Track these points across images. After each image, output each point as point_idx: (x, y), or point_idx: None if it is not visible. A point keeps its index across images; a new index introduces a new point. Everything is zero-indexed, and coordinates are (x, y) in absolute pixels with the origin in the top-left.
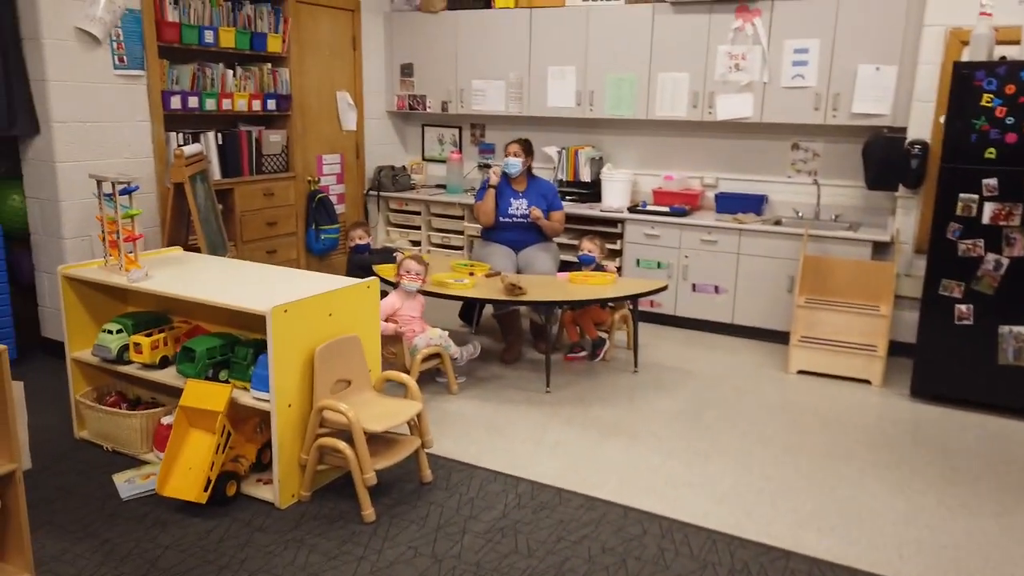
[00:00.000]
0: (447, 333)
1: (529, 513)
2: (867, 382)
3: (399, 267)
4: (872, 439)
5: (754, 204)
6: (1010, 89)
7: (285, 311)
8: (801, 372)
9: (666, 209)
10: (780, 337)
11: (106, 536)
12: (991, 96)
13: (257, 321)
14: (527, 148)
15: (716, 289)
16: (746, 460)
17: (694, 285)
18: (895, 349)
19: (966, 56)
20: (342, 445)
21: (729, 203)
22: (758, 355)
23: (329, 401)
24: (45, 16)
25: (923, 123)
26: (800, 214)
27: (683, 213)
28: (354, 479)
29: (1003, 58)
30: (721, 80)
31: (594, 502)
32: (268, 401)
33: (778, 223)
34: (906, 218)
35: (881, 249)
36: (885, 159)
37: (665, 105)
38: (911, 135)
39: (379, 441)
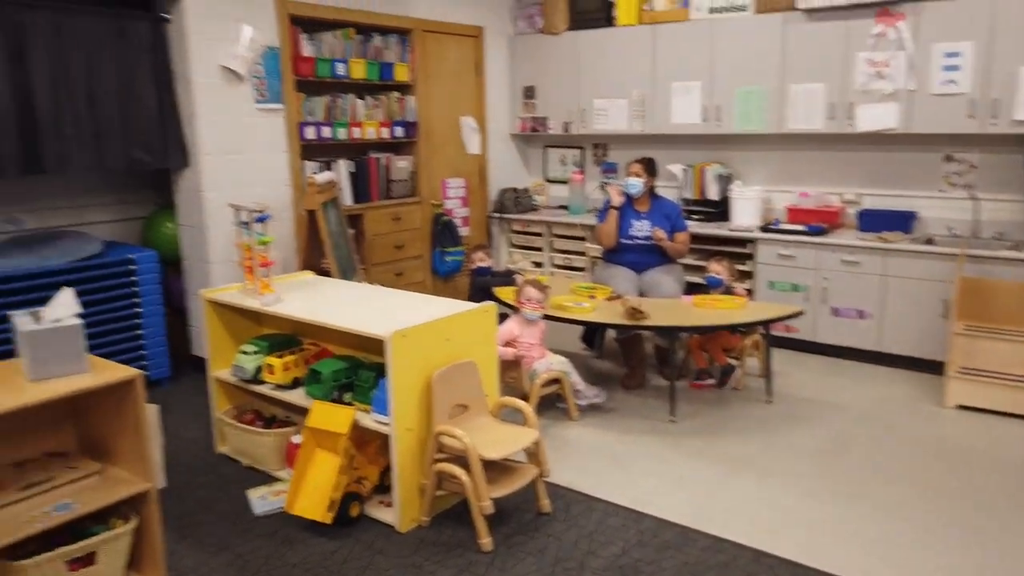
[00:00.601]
0: (568, 360)
1: (652, 552)
2: None
3: (519, 293)
4: None
5: (901, 221)
6: None
7: (404, 336)
8: (960, 407)
9: (802, 228)
10: (934, 367)
11: (239, 551)
12: None
13: (379, 345)
14: (649, 167)
15: (860, 314)
16: (897, 506)
17: (835, 309)
18: None
19: None
20: (459, 471)
21: (873, 220)
22: (909, 387)
23: (446, 427)
24: (195, 57)
25: None
26: (955, 232)
27: (821, 232)
28: (471, 506)
29: None
30: (861, 89)
31: (723, 544)
32: (388, 424)
33: (929, 242)
34: None
35: None
36: None
37: (799, 118)
38: None
39: (496, 468)
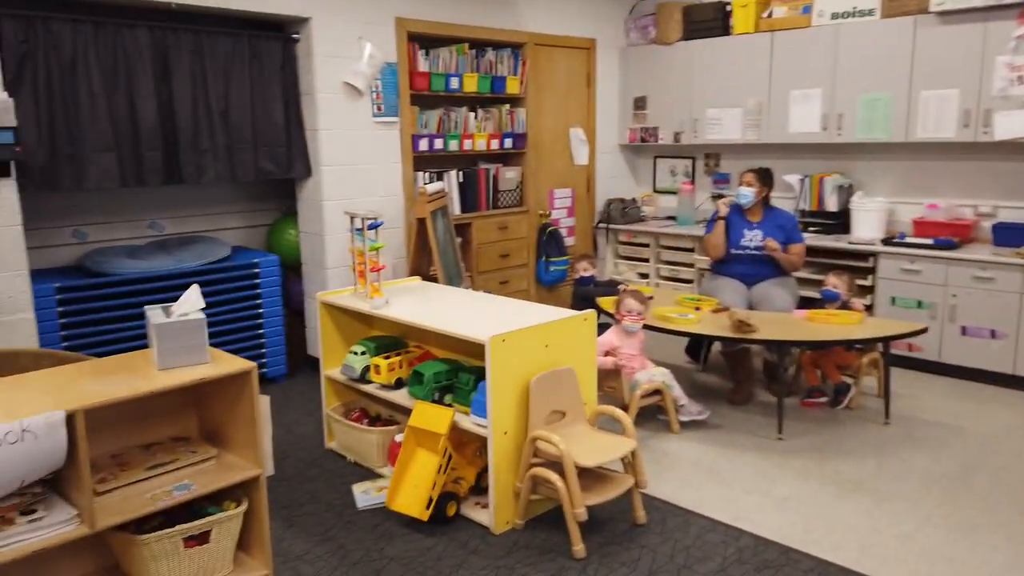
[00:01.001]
0: (669, 372)
1: (751, 571)
2: None
3: (619, 304)
4: None
5: None
6: None
7: (503, 340)
8: None
9: (929, 241)
10: None
11: (342, 542)
12: None
13: (479, 349)
14: (763, 177)
15: (993, 334)
16: (1022, 538)
17: (964, 328)
18: None
19: None
20: (554, 477)
21: (1010, 234)
22: None
23: (542, 432)
24: (319, 74)
25: None
26: None
27: (951, 246)
28: (565, 512)
29: None
30: (1000, 95)
31: (828, 567)
32: (485, 427)
33: None
34: None
35: None
36: None
37: (929, 126)
38: None
39: (592, 476)
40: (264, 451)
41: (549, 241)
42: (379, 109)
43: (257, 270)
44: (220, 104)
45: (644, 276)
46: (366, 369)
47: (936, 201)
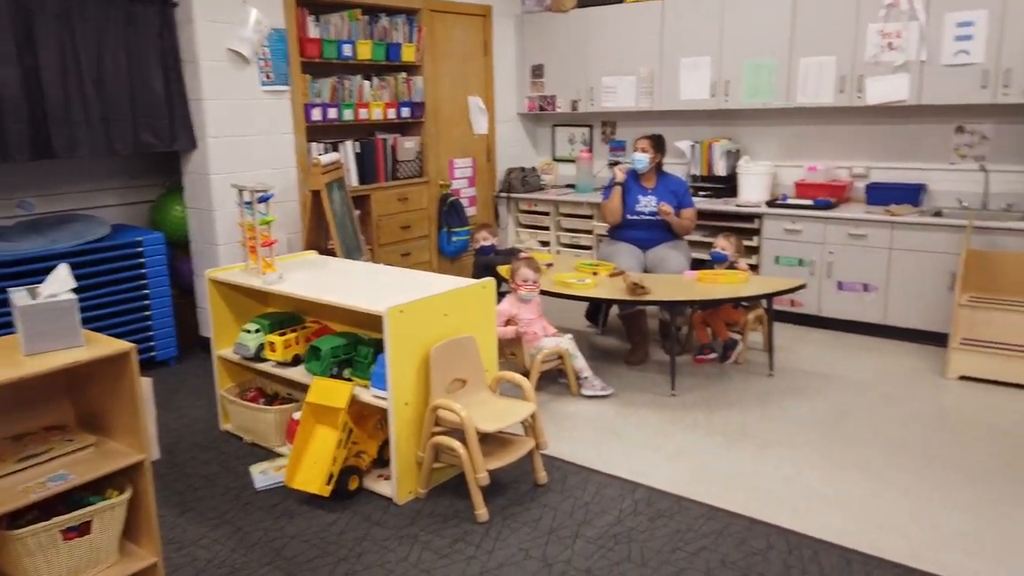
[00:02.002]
0: (572, 337)
1: (645, 521)
2: None
3: (514, 274)
4: None
5: (910, 195)
6: None
7: (401, 311)
8: (963, 378)
9: (809, 202)
10: (939, 339)
11: (239, 524)
12: None
13: (378, 321)
14: (656, 144)
15: (865, 287)
16: (891, 474)
17: (840, 283)
18: None
19: None
20: (456, 444)
21: (882, 194)
22: (913, 359)
23: (443, 400)
24: (201, 40)
25: None
26: (965, 204)
27: (829, 206)
28: (467, 478)
29: None
30: (872, 61)
31: (716, 512)
32: (386, 399)
33: (938, 214)
34: None
35: None
36: None
37: (808, 91)
38: None
39: (493, 441)
40: (148, 435)
41: (450, 211)
42: (268, 77)
43: (141, 249)
44: (92, 72)
45: (545, 244)
46: (261, 347)
47: (815, 163)
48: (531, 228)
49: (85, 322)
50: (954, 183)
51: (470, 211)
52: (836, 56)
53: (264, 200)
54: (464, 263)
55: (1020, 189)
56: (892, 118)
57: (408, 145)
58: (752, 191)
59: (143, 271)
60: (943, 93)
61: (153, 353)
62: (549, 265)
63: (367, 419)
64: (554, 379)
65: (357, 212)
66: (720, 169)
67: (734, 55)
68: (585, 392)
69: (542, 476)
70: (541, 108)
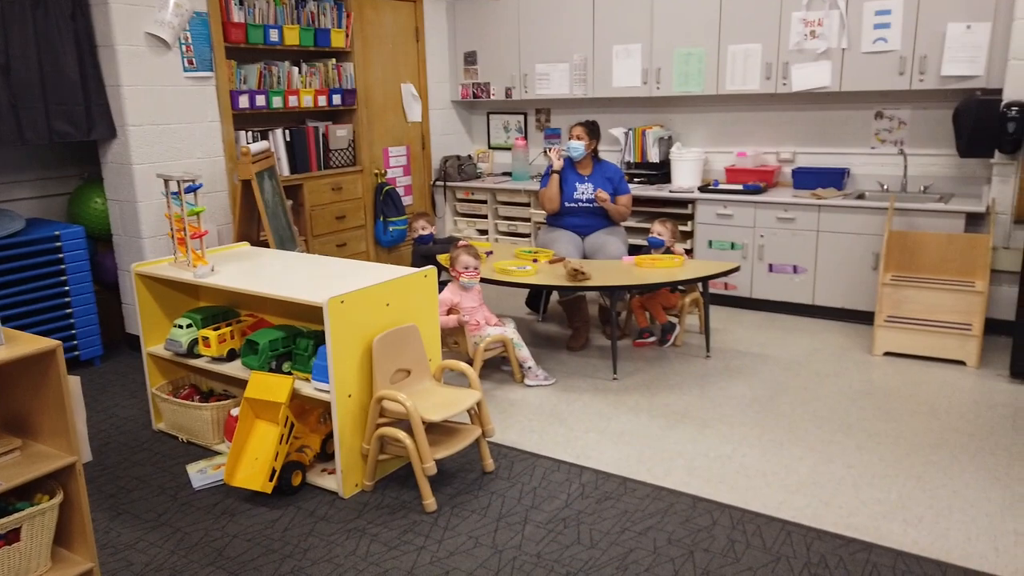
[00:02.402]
0: (513, 322)
1: (592, 503)
2: (961, 363)
3: (454, 261)
4: (966, 424)
5: (835, 178)
6: None
7: (341, 302)
8: (888, 354)
9: (739, 187)
10: (866, 318)
11: (178, 525)
12: None
13: (318, 313)
14: (591, 130)
15: (795, 269)
16: (825, 448)
17: (771, 265)
18: (993, 328)
19: None
20: (402, 435)
21: (807, 178)
22: (841, 337)
23: (387, 391)
24: (118, 24)
25: (1020, 83)
26: (886, 187)
27: (758, 191)
28: (414, 469)
29: None
30: (796, 49)
31: (661, 492)
32: (328, 392)
33: (861, 197)
34: (1003, 186)
35: (976, 221)
36: (979, 124)
37: (736, 78)
38: (1007, 96)
39: (440, 430)
40: (78, 437)
41: (386, 201)
42: (190, 63)
43: (59, 244)
44: (0, 57)
45: (483, 232)
46: (193, 343)
47: (745, 149)
48: (469, 217)
49: (1, 322)
50: (875, 167)
51: (406, 200)
52: (762, 44)
53: (192, 190)
54: (402, 253)
55: (937, 172)
56: (816, 104)
57: (340, 133)
58: (685, 177)
59: (62, 267)
60: (863, 79)
61: (76, 352)
62: (489, 253)
63: (309, 413)
64: (497, 367)
65: (290, 202)
66: (654, 156)
67: (664, 43)
68: (528, 383)
69: (489, 464)
70: (475, 95)
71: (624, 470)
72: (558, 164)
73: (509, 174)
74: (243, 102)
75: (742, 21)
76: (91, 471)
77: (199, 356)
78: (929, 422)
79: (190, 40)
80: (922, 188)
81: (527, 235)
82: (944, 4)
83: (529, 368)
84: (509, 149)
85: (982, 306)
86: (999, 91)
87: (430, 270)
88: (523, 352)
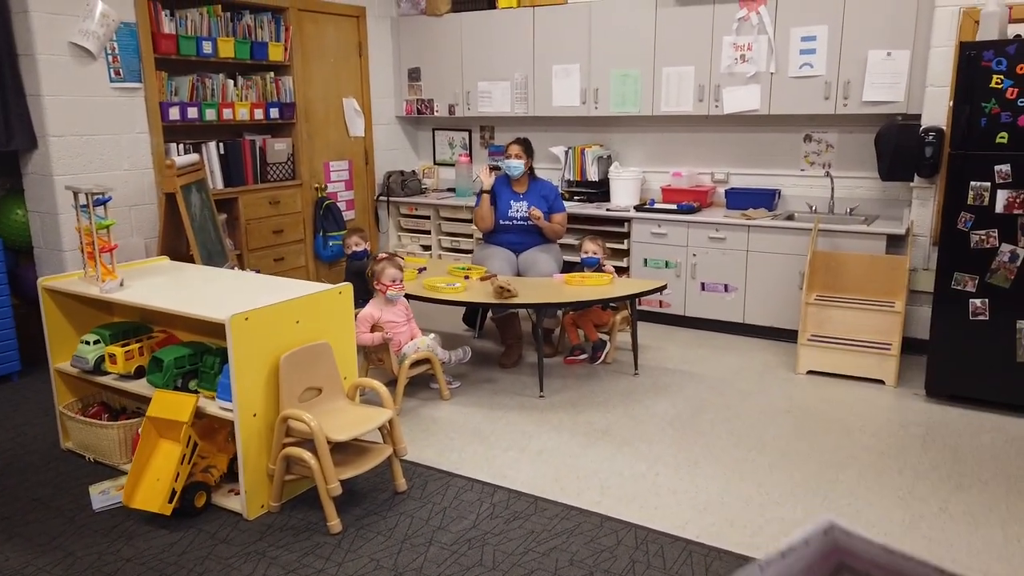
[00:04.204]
0: (436, 336)
1: (501, 523)
2: (880, 382)
3: (380, 276)
4: (879, 443)
5: (766, 199)
6: (1021, 69)
7: (246, 319)
8: (811, 372)
9: (674, 207)
10: (793, 336)
11: (70, 549)
12: (1001, 77)
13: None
14: (527, 148)
15: (726, 288)
16: (739, 467)
17: (703, 284)
18: (912, 347)
19: (979, 37)
20: (306, 455)
21: (740, 199)
22: (768, 355)
23: (292, 410)
24: (39, 32)
25: (938, 109)
26: (814, 208)
27: (692, 210)
28: (319, 489)
29: (1017, 36)
30: (727, 72)
31: (570, 511)
32: (232, 410)
33: (790, 218)
34: (923, 209)
35: (897, 242)
36: (899, 148)
37: (671, 100)
38: (925, 122)
39: (351, 450)
40: None
41: (326, 215)
42: (117, 74)
43: None
44: None
45: (427, 248)
46: (100, 359)
47: (680, 169)
48: (412, 232)
49: None
50: (804, 188)
51: (348, 215)
52: (695, 67)
53: (101, 203)
54: (342, 268)
55: (862, 194)
56: (748, 126)
57: (279, 147)
58: (623, 196)
59: None
60: (791, 103)
61: None
62: (422, 269)
63: (217, 432)
64: (425, 384)
65: (223, 216)
66: (592, 174)
67: (602, 64)
68: (450, 381)
69: (401, 483)
70: (419, 111)
71: (538, 489)
72: (487, 184)
73: (453, 190)
74: (174, 114)
75: (676, 44)
76: None
77: (106, 373)
78: (841, 440)
79: (117, 51)
80: (848, 210)
81: (470, 251)
82: (866, 31)
83: (444, 363)
84: (454, 165)
85: (900, 326)
86: (918, 116)
87: (345, 286)
88: (440, 353)
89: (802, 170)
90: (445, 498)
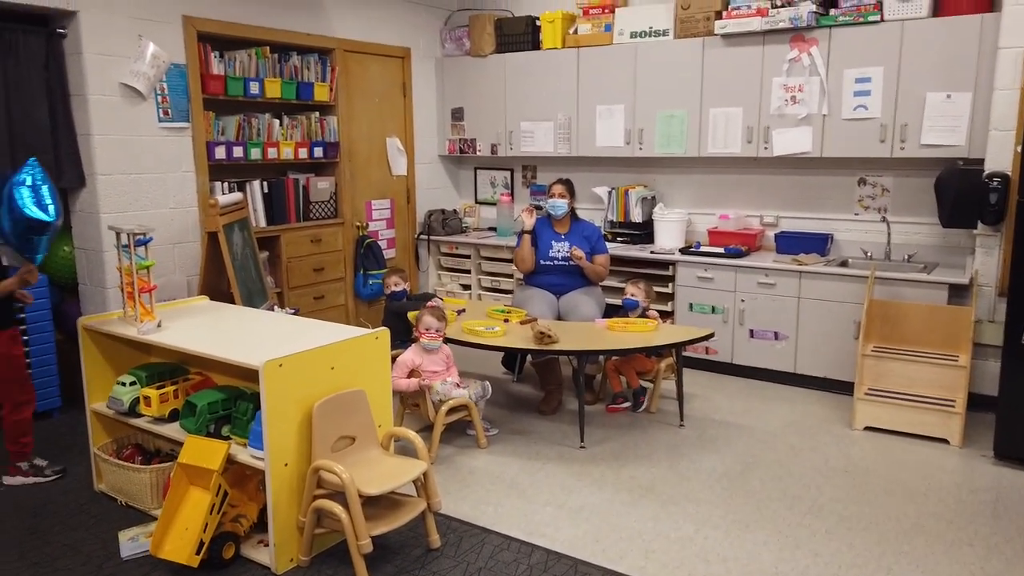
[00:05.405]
0: (486, 384)
1: None
2: (944, 441)
3: (417, 322)
4: (945, 509)
5: (818, 244)
6: None
7: (280, 365)
8: (868, 429)
9: (721, 250)
10: (848, 388)
11: None
12: None
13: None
14: (570, 188)
15: (776, 335)
16: (794, 532)
17: (752, 331)
18: (977, 404)
19: None
20: (337, 509)
21: (790, 243)
22: (821, 408)
23: (324, 461)
24: (91, 73)
25: (1002, 154)
26: (869, 255)
27: (740, 254)
28: (349, 546)
29: None
30: (777, 114)
31: None
32: (263, 459)
33: (844, 264)
34: (987, 258)
35: (960, 292)
36: (961, 194)
37: (718, 141)
38: (989, 167)
39: (384, 503)
40: None
41: (367, 254)
42: (166, 114)
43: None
44: None
45: (466, 287)
46: (135, 401)
47: (727, 212)
48: (452, 271)
49: None
50: (859, 233)
51: (389, 253)
52: (743, 108)
53: (142, 244)
54: (382, 306)
55: (920, 241)
56: (799, 169)
57: (322, 186)
58: (667, 238)
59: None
60: (844, 146)
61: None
62: (461, 311)
63: (248, 479)
64: (462, 431)
65: (264, 254)
66: (636, 216)
67: (647, 105)
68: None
69: (435, 539)
70: (462, 151)
71: (578, 550)
72: (529, 224)
73: (494, 229)
74: (220, 153)
75: (724, 85)
76: (22, 535)
77: (141, 416)
78: (905, 506)
79: (166, 91)
80: (906, 257)
81: (510, 291)
82: (924, 73)
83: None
84: (495, 204)
85: (965, 381)
86: (981, 161)
87: (382, 331)
88: (456, 392)
89: (856, 214)
90: (480, 557)
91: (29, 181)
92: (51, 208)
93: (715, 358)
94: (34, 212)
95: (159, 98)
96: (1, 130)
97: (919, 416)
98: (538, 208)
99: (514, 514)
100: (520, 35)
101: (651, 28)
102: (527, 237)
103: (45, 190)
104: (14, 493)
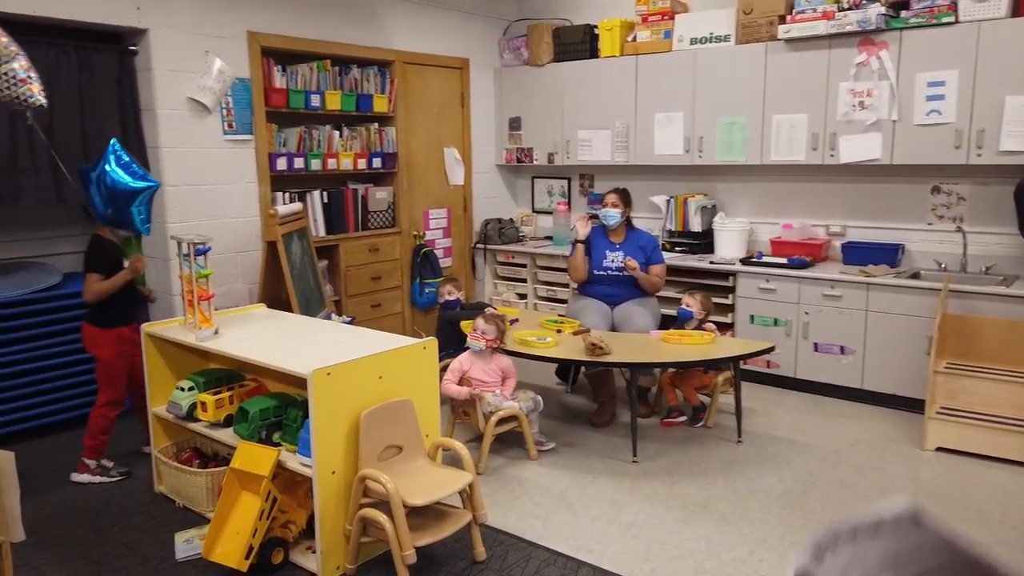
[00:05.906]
0: (536, 398)
1: None
2: (1021, 464)
3: (475, 324)
4: (1020, 536)
5: (888, 255)
6: None
7: (328, 374)
8: (940, 449)
9: (784, 260)
10: (918, 406)
11: None
12: None
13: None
14: (625, 198)
15: (842, 350)
16: None
17: (816, 344)
18: None
19: None
20: (383, 518)
21: (858, 254)
22: (889, 427)
23: (370, 470)
24: (160, 88)
25: None
26: (943, 266)
27: (804, 265)
28: (393, 556)
29: None
30: (844, 120)
31: None
32: (311, 466)
33: (916, 276)
34: None
35: None
36: None
37: (781, 149)
38: None
39: (429, 513)
40: (10, 515)
41: (423, 263)
42: (230, 127)
43: None
44: (43, 119)
45: (522, 296)
46: (193, 406)
47: (791, 221)
48: (508, 280)
49: (28, 374)
50: (932, 244)
51: (445, 262)
52: (808, 114)
53: (201, 253)
54: (436, 315)
55: (999, 252)
56: (868, 177)
57: (380, 195)
58: (728, 248)
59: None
60: (916, 153)
61: None
62: (514, 321)
63: (297, 486)
64: (514, 442)
65: (323, 263)
66: (695, 225)
67: (707, 112)
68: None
69: (480, 552)
70: (519, 160)
71: (626, 567)
72: (583, 233)
73: (551, 238)
74: (281, 164)
75: (787, 91)
76: (85, 532)
77: (198, 420)
78: (978, 532)
79: (231, 104)
80: (983, 268)
81: (565, 301)
82: (1002, 76)
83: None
84: (552, 213)
85: None
86: None
87: (430, 341)
88: (506, 405)
89: (929, 224)
90: (526, 571)
91: (114, 161)
92: (147, 175)
93: (776, 371)
94: (134, 182)
95: (224, 111)
96: (74, 144)
97: (995, 437)
98: (593, 217)
99: (562, 528)
100: (578, 43)
101: (712, 34)
102: (580, 247)
103: (133, 164)
104: (80, 491)
